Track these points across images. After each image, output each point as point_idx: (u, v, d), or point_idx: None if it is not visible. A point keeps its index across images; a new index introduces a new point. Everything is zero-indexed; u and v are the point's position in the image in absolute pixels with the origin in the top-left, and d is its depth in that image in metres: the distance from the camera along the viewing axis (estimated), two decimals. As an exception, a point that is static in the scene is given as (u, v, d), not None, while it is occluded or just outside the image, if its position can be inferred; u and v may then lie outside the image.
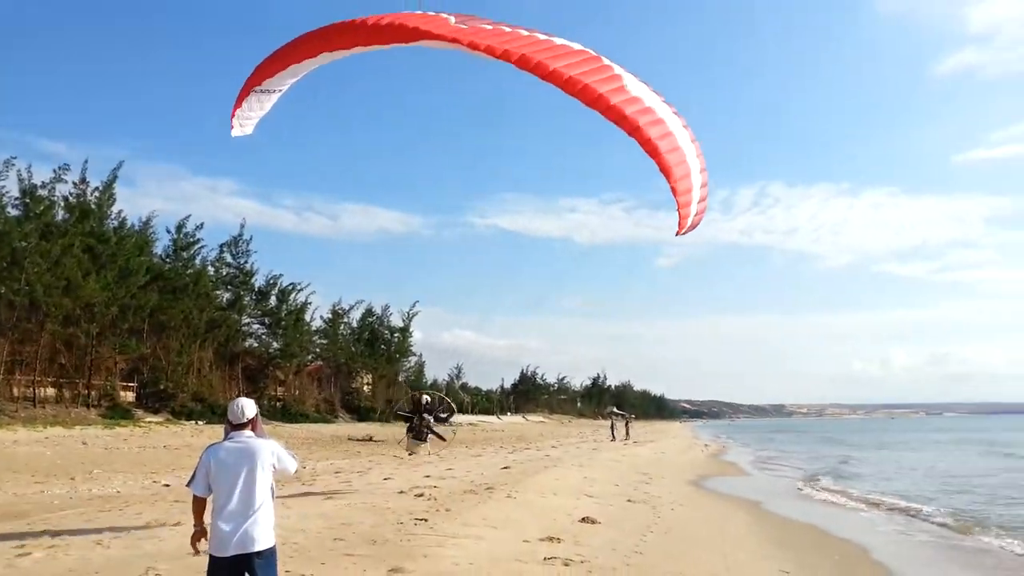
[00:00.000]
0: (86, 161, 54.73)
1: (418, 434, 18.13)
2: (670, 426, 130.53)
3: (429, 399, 18.81)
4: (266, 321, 59.84)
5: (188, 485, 5.33)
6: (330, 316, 68.29)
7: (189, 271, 51.72)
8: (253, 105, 9.75)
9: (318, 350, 66.46)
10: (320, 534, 10.35)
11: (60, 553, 9.04)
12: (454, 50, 7.71)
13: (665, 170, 7.67)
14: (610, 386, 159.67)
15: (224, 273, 56.13)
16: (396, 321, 76.32)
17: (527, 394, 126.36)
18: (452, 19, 7.81)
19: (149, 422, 40.04)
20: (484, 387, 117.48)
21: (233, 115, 9.73)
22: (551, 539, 10.69)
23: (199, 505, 5.26)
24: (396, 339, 76.53)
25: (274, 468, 5.21)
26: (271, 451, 5.22)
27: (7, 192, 37.96)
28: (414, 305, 76.41)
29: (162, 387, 45.92)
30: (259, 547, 4.97)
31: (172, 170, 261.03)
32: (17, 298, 37.16)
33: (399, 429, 21.05)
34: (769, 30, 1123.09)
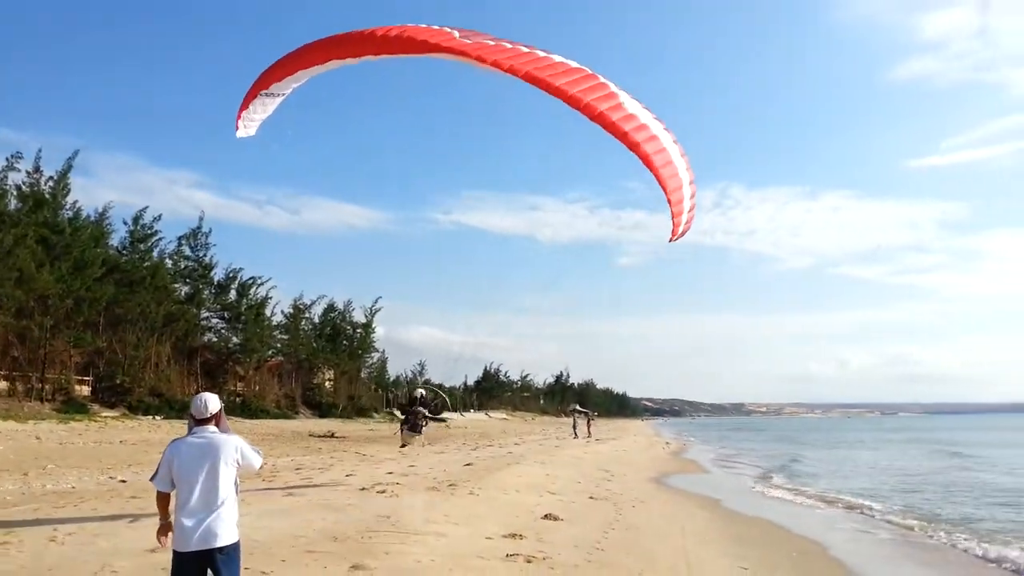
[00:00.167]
0: (40, 150, 53.27)
1: (413, 426, 19.15)
2: (632, 424, 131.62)
3: (424, 393, 19.99)
4: (225, 315, 58.82)
5: (151, 480, 5.29)
6: (291, 311, 67.52)
7: (146, 264, 50.82)
8: (258, 108, 10.06)
9: (279, 345, 65.50)
10: (281, 531, 10.27)
11: (13, 550, 8.86)
12: (453, 61, 8.14)
13: (661, 183, 8.43)
14: (573, 384, 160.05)
15: (182, 266, 55.15)
16: (359, 317, 76.03)
17: (490, 391, 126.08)
18: (456, 33, 8.17)
19: (105, 417, 39.20)
20: (447, 384, 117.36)
21: (239, 116, 10.06)
22: (513, 536, 10.73)
23: (163, 500, 5.24)
24: (358, 335, 76.13)
25: (238, 464, 5.18)
26: (235, 447, 5.18)
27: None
28: (377, 301, 76.40)
29: (118, 381, 44.95)
30: (222, 543, 4.93)
31: (129, 161, 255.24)
32: (-32, 289, 36.18)
33: (360, 425, 21.38)
34: (730, 37, 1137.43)
